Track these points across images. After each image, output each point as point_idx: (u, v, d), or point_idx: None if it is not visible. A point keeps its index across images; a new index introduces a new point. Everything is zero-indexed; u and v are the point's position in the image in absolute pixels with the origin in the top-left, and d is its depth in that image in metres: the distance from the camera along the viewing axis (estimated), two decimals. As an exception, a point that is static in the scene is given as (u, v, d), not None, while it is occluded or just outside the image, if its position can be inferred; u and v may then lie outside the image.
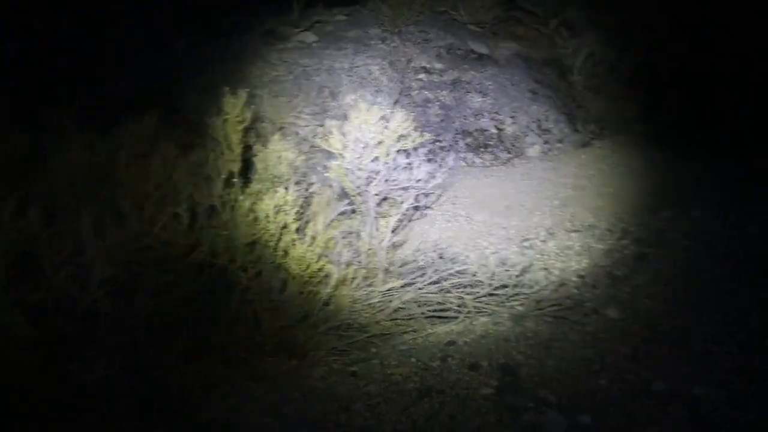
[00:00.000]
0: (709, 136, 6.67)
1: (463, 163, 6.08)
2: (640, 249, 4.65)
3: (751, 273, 4.28)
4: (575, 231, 4.98)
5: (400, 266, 4.32)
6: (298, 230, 3.60)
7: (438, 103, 6.59)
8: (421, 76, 6.90)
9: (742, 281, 4.17)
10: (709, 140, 6.59)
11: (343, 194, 4.17)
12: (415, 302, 3.97)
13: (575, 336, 3.73)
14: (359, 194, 3.89)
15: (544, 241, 4.85)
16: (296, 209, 3.51)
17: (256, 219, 3.49)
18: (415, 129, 4.09)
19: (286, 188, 3.56)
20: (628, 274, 4.38)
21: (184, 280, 3.07)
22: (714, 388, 3.22)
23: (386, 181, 3.88)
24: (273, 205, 3.45)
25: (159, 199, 3.23)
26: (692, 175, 5.82)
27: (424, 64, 7.03)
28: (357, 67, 6.48)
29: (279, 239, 3.49)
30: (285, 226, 3.48)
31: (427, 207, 5.21)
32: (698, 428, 3.00)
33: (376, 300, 3.97)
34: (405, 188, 4.01)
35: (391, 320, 3.93)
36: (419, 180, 3.91)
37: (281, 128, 5.64)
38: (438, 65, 7.04)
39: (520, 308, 3.93)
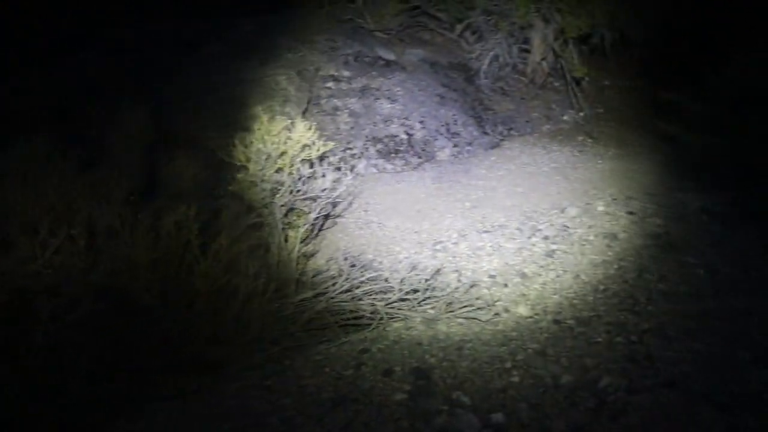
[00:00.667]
0: (615, 134, 6.90)
1: (374, 170, 6.10)
2: (548, 246, 4.75)
3: (654, 260, 4.43)
4: (486, 231, 5.05)
5: (313, 276, 4.29)
6: (203, 246, 3.53)
7: (347, 110, 6.59)
8: (330, 84, 6.90)
9: (645, 271, 4.31)
10: (614, 137, 6.81)
11: (251, 207, 4.12)
12: (328, 312, 3.95)
13: (487, 336, 3.78)
14: (265, 206, 3.85)
15: (455, 243, 4.90)
16: (199, 225, 3.44)
17: (158, 236, 3.41)
18: (320, 137, 4.08)
19: (188, 204, 3.49)
20: (537, 272, 4.47)
21: (83, 303, 2.97)
22: (617, 376, 3.31)
23: (291, 192, 3.84)
24: (175, 221, 3.38)
25: (53, 221, 3.12)
26: (597, 171, 6.00)
27: (332, 72, 7.03)
28: (265, 77, 6.43)
29: (182, 256, 3.42)
30: (188, 243, 3.41)
31: (338, 215, 5.19)
32: (603, 416, 3.07)
33: (289, 312, 3.93)
34: (312, 198, 3.98)
35: (304, 331, 3.90)
36: (325, 189, 3.88)
37: (188, 142, 5.53)
38: (346, 73, 7.05)
39: (431, 311, 3.95)
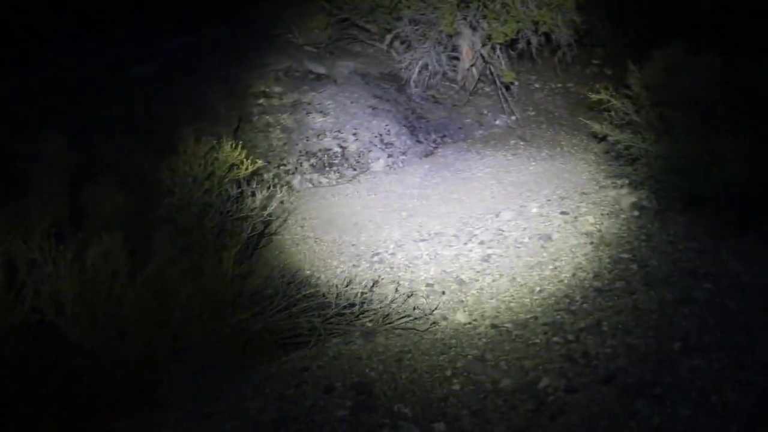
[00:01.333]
0: (547, 135, 7.00)
1: (309, 185, 6.07)
2: (484, 251, 4.79)
3: (588, 258, 4.50)
4: (423, 240, 5.06)
5: (250, 297, 4.23)
6: (131, 274, 3.45)
7: (279, 126, 6.55)
8: (261, 100, 6.86)
9: (580, 269, 4.38)
10: (546, 139, 6.91)
11: (181, 231, 4.05)
12: (267, 331, 3.90)
13: (426, 345, 3.78)
14: (195, 229, 3.79)
15: (393, 253, 4.91)
16: (126, 253, 3.36)
17: (83, 267, 3.32)
18: (251, 156, 4.05)
19: (115, 232, 3.41)
20: (474, 277, 4.50)
21: (3, 343, 2.87)
22: (555, 377, 3.35)
23: (221, 213, 3.79)
24: (101, 250, 3.30)
25: (-31, 258, 3.02)
26: (530, 173, 6.08)
27: (263, 88, 6.99)
28: (195, 96, 6.35)
29: (111, 286, 3.34)
30: (115, 272, 3.33)
31: (274, 233, 5.15)
32: (543, 418, 3.10)
33: (227, 334, 3.87)
34: (243, 218, 3.94)
35: (243, 353, 3.85)
36: (255, 208, 3.84)
37: (114, 167, 5.41)
38: (277, 89, 7.02)
39: (370, 324, 3.94)
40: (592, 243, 4.70)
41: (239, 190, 3.84)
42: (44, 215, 3.51)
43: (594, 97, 6.17)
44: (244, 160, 3.87)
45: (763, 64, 4.61)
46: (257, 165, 3.92)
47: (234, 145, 3.84)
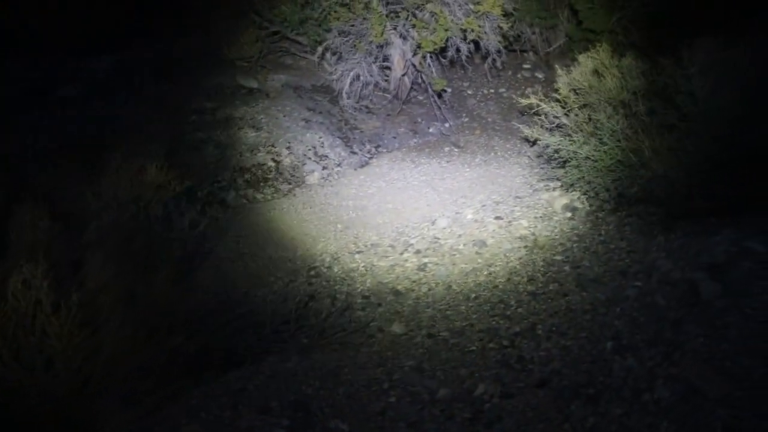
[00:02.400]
0: (480, 141, 7.07)
1: (245, 200, 6.00)
2: (420, 260, 4.81)
3: (523, 262, 4.55)
4: (359, 252, 5.06)
5: (185, 319, 4.16)
6: (57, 303, 3.35)
7: (212, 143, 6.47)
8: (194, 117, 6.77)
9: (514, 274, 4.43)
10: (480, 144, 6.99)
11: (110, 255, 3.96)
12: (202, 353, 3.83)
13: (363, 358, 3.78)
14: (124, 254, 3.71)
15: (329, 267, 4.89)
16: (50, 282, 3.27)
17: (4, 298, 3.22)
18: (181, 175, 3.98)
19: (37, 261, 3.31)
20: (410, 287, 4.51)
21: None
22: (491, 383, 3.38)
23: (149, 235, 3.72)
24: (22, 280, 3.20)
25: None
26: (465, 179, 6.13)
27: (194, 105, 6.90)
28: (125, 116, 6.24)
29: (34, 316, 3.23)
30: (38, 301, 3.23)
31: (209, 251, 5.08)
32: (479, 425, 3.12)
33: (162, 358, 3.79)
34: (174, 239, 3.87)
35: (180, 377, 3.77)
36: (183, 228, 3.78)
37: (40, 194, 5.27)
38: (209, 104, 6.94)
39: (306, 341, 3.92)
40: (526, 247, 4.76)
41: (167, 212, 3.77)
42: (-37, 246, 3.39)
43: (524, 101, 6.27)
44: (172, 180, 3.80)
45: (683, 64, 4.74)
46: (185, 185, 3.86)
47: (160, 166, 3.77)
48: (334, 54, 7.67)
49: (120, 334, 3.60)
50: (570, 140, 5.65)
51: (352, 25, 7.27)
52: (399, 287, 4.50)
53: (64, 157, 5.56)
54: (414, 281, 4.55)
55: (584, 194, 5.26)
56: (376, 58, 7.45)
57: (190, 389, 3.71)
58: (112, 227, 3.62)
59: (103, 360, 3.46)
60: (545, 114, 6.14)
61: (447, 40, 7.20)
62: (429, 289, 4.43)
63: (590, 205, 5.16)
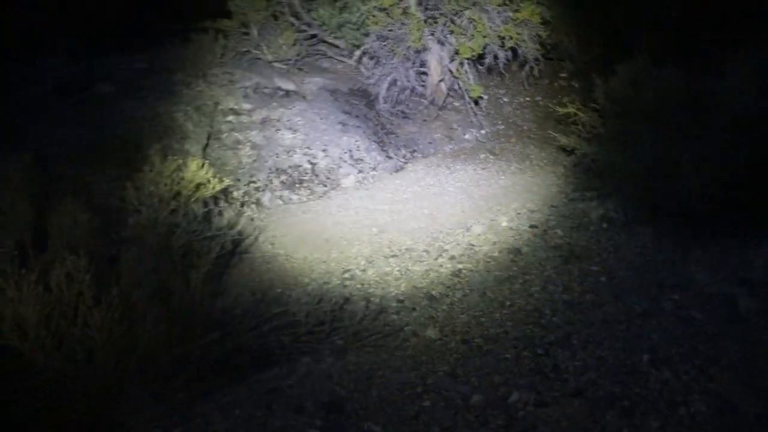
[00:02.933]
0: (515, 149, 7.05)
1: (280, 202, 6.04)
2: (455, 266, 4.80)
3: (558, 271, 4.53)
4: (393, 256, 5.06)
5: (220, 316, 4.19)
6: (97, 296, 3.40)
7: (249, 143, 6.52)
8: (230, 117, 6.83)
9: (550, 283, 4.40)
10: (515, 153, 6.96)
11: (148, 251, 4.00)
12: (236, 351, 3.86)
13: (397, 362, 3.77)
14: (162, 250, 3.75)
15: (363, 270, 4.89)
16: (91, 275, 3.31)
17: (48, 290, 3.27)
18: (218, 174, 4.01)
19: (79, 253, 3.36)
20: (444, 292, 4.50)
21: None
22: (525, 391, 3.35)
23: (188, 233, 3.76)
24: (65, 273, 3.24)
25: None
26: (500, 187, 6.11)
27: (231, 105, 6.96)
28: (159, 115, 6.31)
29: (76, 309, 3.28)
30: (80, 294, 3.28)
31: (244, 251, 5.11)
32: (514, 434, 3.10)
33: (196, 355, 3.82)
34: (211, 237, 3.90)
35: (212, 374, 3.80)
36: (222, 227, 3.81)
37: (82, 188, 5.35)
38: (246, 105, 6.99)
39: (340, 342, 3.92)
40: (561, 256, 4.73)
41: (206, 209, 3.80)
42: (7, 238, 3.44)
43: (561, 110, 6.24)
44: (211, 179, 3.83)
45: (721, 76, 4.68)
46: (224, 184, 3.89)
47: (201, 164, 3.80)
48: (371, 58, 7.70)
49: (155, 330, 3.63)
50: (607, 150, 5.62)
51: (390, 30, 7.28)
52: (433, 292, 4.49)
53: (102, 153, 5.63)
54: (448, 287, 4.54)
55: (621, 205, 5.22)
56: (413, 63, 7.47)
57: (223, 387, 3.73)
58: (151, 223, 3.66)
59: (138, 354, 3.49)
60: (582, 123, 6.12)
61: (485, 47, 7.19)
62: (463, 295, 4.42)
63: (627, 216, 5.11)
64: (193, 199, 3.75)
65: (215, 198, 4.00)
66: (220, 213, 3.83)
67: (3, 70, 6.94)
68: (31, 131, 5.72)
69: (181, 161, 3.77)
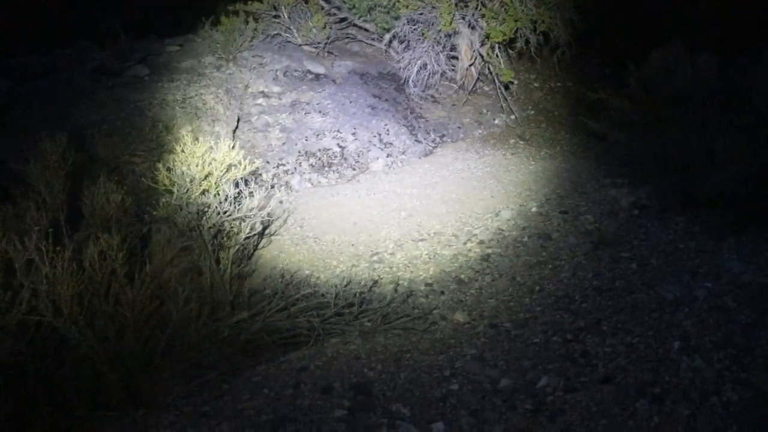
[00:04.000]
0: (545, 134, 6.99)
1: (309, 185, 6.06)
2: (484, 250, 4.78)
3: (588, 257, 4.49)
4: (422, 240, 5.05)
5: (249, 297, 4.22)
6: (129, 274, 3.44)
7: (278, 126, 6.55)
8: (260, 100, 6.85)
9: (579, 269, 4.37)
10: (544, 138, 6.90)
11: (179, 231, 4.04)
12: (265, 331, 3.89)
13: (425, 345, 3.77)
14: (192, 230, 3.78)
15: (392, 253, 4.89)
16: (124, 253, 3.35)
17: (81, 268, 3.31)
18: (250, 155, 4.03)
19: (112, 232, 3.39)
20: (473, 277, 4.49)
21: (2, 343, 2.85)
22: (554, 376, 3.33)
23: (219, 213, 3.78)
24: (99, 250, 3.28)
25: (-35, 259, 3.00)
26: (529, 172, 6.07)
27: (261, 88, 6.98)
28: (191, 97, 6.34)
29: (108, 286, 3.32)
30: (113, 272, 3.31)
31: (273, 233, 5.14)
32: (542, 417, 3.08)
33: (225, 335, 3.86)
34: (242, 218, 3.92)
35: (241, 353, 3.84)
36: (253, 208, 3.83)
37: (116, 168, 5.41)
38: (276, 88, 7.01)
39: (368, 324, 3.93)
40: (592, 242, 4.68)
41: (237, 191, 3.82)
42: (42, 216, 3.49)
43: (593, 96, 6.17)
44: (242, 160, 3.85)
45: (759, 62, 4.59)
46: (255, 165, 3.91)
47: (232, 146, 3.82)
48: (401, 42, 7.67)
49: (185, 308, 3.67)
50: (639, 137, 5.55)
51: (421, 14, 7.25)
52: (462, 276, 4.48)
53: (135, 135, 5.68)
54: (477, 271, 4.53)
55: (653, 192, 5.16)
56: (443, 47, 7.43)
57: (251, 366, 3.77)
58: (182, 203, 3.69)
59: (168, 332, 3.53)
60: (614, 109, 6.05)
61: (516, 31, 7.13)
62: (492, 280, 4.40)
63: (659, 204, 5.04)
64: (224, 180, 3.76)
65: (245, 180, 4.00)
66: (251, 194, 3.84)
67: (41, 54, 7.01)
68: (68, 113, 5.78)
69: (212, 142, 3.79)
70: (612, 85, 6.59)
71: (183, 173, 3.65)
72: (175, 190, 3.69)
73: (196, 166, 3.69)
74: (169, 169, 3.71)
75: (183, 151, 3.73)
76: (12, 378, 2.96)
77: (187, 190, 3.65)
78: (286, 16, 7.91)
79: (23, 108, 5.75)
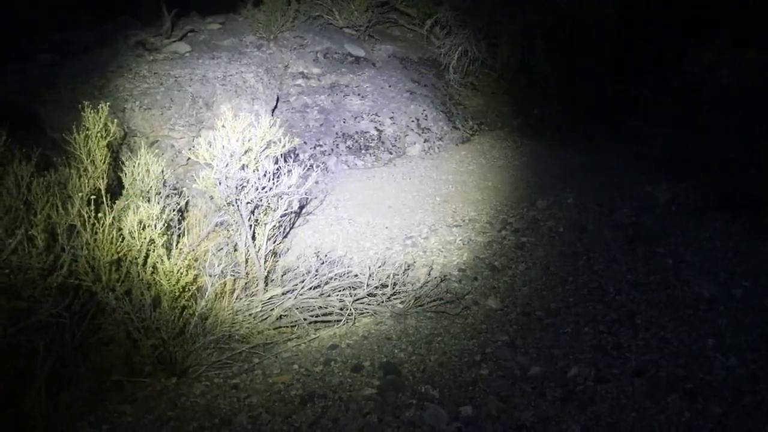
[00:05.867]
0: (581, 128, 6.92)
1: (345, 166, 6.07)
2: (518, 239, 4.76)
3: (623, 251, 4.45)
4: (457, 226, 5.04)
5: (283, 274, 4.25)
6: (167, 244, 3.48)
7: (317, 107, 6.56)
8: (299, 81, 6.87)
9: (614, 262, 4.33)
10: (581, 131, 6.83)
11: (217, 204, 4.08)
12: (297, 309, 3.91)
13: (456, 329, 3.77)
14: (231, 204, 3.81)
15: (426, 238, 4.89)
16: (162, 223, 3.39)
17: (121, 236, 3.36)
18: (288, 135, 4.04)
19: (149, 201, 3.44)
20: (507, 264, 4.47)
21: (41, 305, 2.91)
22: (585, 366, 3.32)
23: (257, 189, 3.80)
24: (138, 220, 3.33)
25: (10, 222, 3.06)
26: (566, 164, 6.02)
27: (301, 69, 6.99)
28: (231, 75, 6.37)
29: (146, 255, 3.37)
30: (152, 241, 3.36)
31: (309, 213, 5.17)
32: (572, 406, 3.08)
33: (257, 310, 3.90)
34: (279, 195, 3.95)
35: (273, 329, 3.87)
36: (291, 186, 3.85)
37: (155, 142, 5.48)
38: (315, 70, 7.02)
39: (401, 306, 3.94)
40: (627, 236, 4.65)
41: (276, 167, 3.84)
42: (83, 184, 3.55)
43: (631, 91, 6.09)
44: (282, 137, 3.86)
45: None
46: (295, 143, 3.92)
47: (272, 123, 3.84)
48: (442, 28, 7.64)
49: (220, 282, 3.71)
50: (679, 134, 5.48)
51: (463, 1, 7.20)
52: (496, 263, 4.47)
53: (175, 109, 5.73)
54: (511, 259, 4.51)
55: (691, 189, 5.09)
56: (485, 35, 7.37)
57: (283, 342, 3.80)
58: (222, 176, 3.72)
59: (202, 304, 3.57)
60: (653, 105, 5.97)
61: (557, 22, 7.05)
62: (526, 268, 4.38)
63: (697, 201, 4.98)
64: (263, 156, 3.78)
65: (285, 157, 4.02)
66: (290, 172, 3.86)
67: (85, 29, 7.09)
68: (109, 86, 5.84)
69: (254, 118, 3.81)
70: (649, 81, 6.51)
71: (224, 147, 3.68)
72: (214, 164, 3.72)
73: (237, 140, 3.71)
74: (209, 143, 3.74)
75: (224, 126, 3.76)
76: (52, 339, 3.03)
77: (227, 164, 3.68)
78: (328, -1, 7.93)
79: (66, 80, 5.82)
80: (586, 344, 3.53)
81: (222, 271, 3.67)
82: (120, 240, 3.35)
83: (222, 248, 4.09)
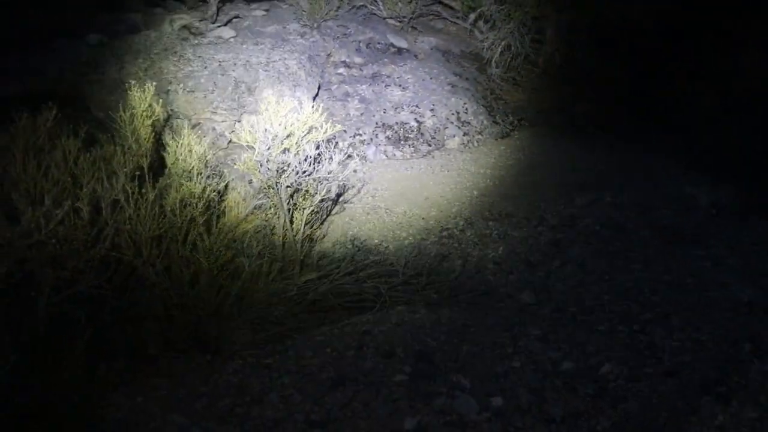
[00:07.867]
0: (622, 126, 6.85)
1: (384, 156, 6.09)
2: (555, 235, 4.74)
3: (661, 252, 4.41)
4: (493, 220, 5.04)
5: (318, 259, 4.30)
6: (207, 223, 3.54)
7: (358, 96, 6.59)
8: (341, 70, 6.90)
9: (651, 262, 4.30)
10: (621, 129, 6.77)
11: (257, 187, 4.13)
12: (332, 293, 3.95)
13: (490, 321, 3.77)
14: (271, 187, 3.85)
15: (462, 230, 4.90)
16: (203, 202, 3.45)
17: (162, 213, 3.43)
18: (329, 122, 4.07)
19: (191, 180, 3.50)
20: (542, 260, 4.46)
21: (85, 277, 2.98)
22: (617, 364, 3.30)
23: (297, 173, 3.84)
24: (180, 198, 3.39)
25: (58, 194, 3.13)
26: (606, 162, 5.97)
27: (343, 58, 7.03)
28: (274, 61, 6.42)
29: (186, 233, 3.43)
30: (192, 220, 3.42)
31: (347, 201, 5.20)
32: (603, 403, 3.07)
33: (293, 293, 3.94)
34: (318, 180, 3.98)
35: (307, 312, 3.91)
36: (331, 172, 3.88)
37: (197, 124, 5.55)
38: (357, 59, 7.04)
39: (435, 296, 3.95)
40: (665, 237, 4.61)
41: (317, 152, 3.88)
42: (129, 160, 3.61)
43: (676, 89, 6.01)
44: (323, 123, 3.90)
45: None
46: (336, 129, 3.95)
47: (315, 108, 3.88)
48: (486, 22, 7.60)
49: (257, 263, 3.76)
50: (723, 134, 5.41)
51: (510, -6, 7.18)
52: (531, 258, 4.46)
53: (217, 93, 5.80)
54: (546, 254, 4.50)
55: (734, 193, 5.03)
56: (529, 30, 7.33)
57: (316, 325, 3.84)
58: (264, 159, 3.77)
59: (239, 284, 3.62)
60: (698, 104, 5.90)
61: (604, 18, 6.98)
62: (561, 264, 4.37)
63: (740, 205, 4.92)
64: (305, 141, 3.82)
65: (325, 144, 4.06)
66: (331, 158, 3.89)
67: (133, 11, 7.19)
68: (154, 67, 5.93)
69: (297, 103, 3.85)
70: (696, 82, 6.43)
71: (266, 130, 3.72)
72: (256, 146, 3.77)
73: (279, 125, 3.75)
74: (252, 126, 3.79)
75: (267, 110, 3.80)
76: (92, 311, 3.10)
77: (269, 147, 3.72)
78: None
79: (113, 61, 5.92)
80: (619, 342, 3.51)
81: (259, 253, 3.72)
82: (162, 217, 3.41)
83: (260, 231, 4.14)
